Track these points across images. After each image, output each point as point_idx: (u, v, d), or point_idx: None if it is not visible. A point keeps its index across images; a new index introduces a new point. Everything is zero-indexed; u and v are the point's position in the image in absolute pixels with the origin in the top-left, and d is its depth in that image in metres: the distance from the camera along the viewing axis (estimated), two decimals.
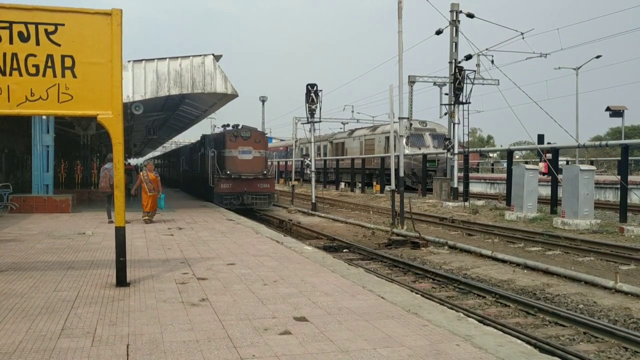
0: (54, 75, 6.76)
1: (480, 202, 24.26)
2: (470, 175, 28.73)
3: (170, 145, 67.72)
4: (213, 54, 17.45)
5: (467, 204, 23.14)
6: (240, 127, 23.38)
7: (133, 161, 54.57)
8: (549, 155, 21.32)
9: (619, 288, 8.76)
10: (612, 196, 24.98)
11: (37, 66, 6.72)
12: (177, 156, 40.59)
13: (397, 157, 19.05)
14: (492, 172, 45.74)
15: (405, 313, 5.87)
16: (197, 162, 27.51)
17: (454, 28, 25.70)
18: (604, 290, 8.93)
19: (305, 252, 10.05)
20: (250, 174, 22.25)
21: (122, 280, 7.03)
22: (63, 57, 6.79)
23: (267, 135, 24.56)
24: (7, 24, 6.67)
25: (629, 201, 17.91)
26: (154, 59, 17.14)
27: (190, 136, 58.41)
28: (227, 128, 23.71)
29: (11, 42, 6.67)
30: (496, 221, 18.69)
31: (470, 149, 26.96)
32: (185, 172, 34.00)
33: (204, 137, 26.71)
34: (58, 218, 15.72)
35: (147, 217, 14.84)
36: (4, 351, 4.51)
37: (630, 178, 17.97)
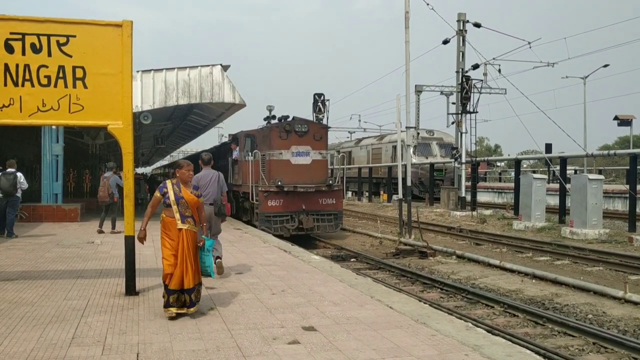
0: (65, 86, 6.86)
1: (488, 212, 24.17)
2: (478, 184, 28.67)
3: (177, 154, 67.96)
4: (221, 64, 17.56)
5: (474, 213, 23.08)
6: (291, 118, 17.14)
7: (140, 170, 54.86)
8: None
9: (628, 298, 8.71)
10: (620, 205, 24.82)
11: (48, 77, 6.82)
12: (195, 163, 34.09)
13: (405, 166, 19.06)
14: (500, 181, 45.53)
15: (413, 323, 5.87)
16: (225, 171, 20.07)
17: (461, 37, 25.73)
18: (613, 300, 8.88)
19: (313, 262, 10.05)
20: (311, 185, 16.01)
21: (131, 289, 7.07)
22: (74, 68, 6.88)
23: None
24: (19, 36, 6.78)
25: (637, 210, 17.80)
26: (162, 69, 17.26)
27: (198, 145, 58.72)
28: (273, 121, 17.63)
29: (24, 53, 6.78)
30: (504, 231, 18.63)
31: (478, 158, 26.91)
32: None
33: (237, 135, 19.59)
34: (67, 227, 15.82)
35: (176, 308, 5.88)
36: (15, 359, 4.55)
37: (639, 187, 17.84)
